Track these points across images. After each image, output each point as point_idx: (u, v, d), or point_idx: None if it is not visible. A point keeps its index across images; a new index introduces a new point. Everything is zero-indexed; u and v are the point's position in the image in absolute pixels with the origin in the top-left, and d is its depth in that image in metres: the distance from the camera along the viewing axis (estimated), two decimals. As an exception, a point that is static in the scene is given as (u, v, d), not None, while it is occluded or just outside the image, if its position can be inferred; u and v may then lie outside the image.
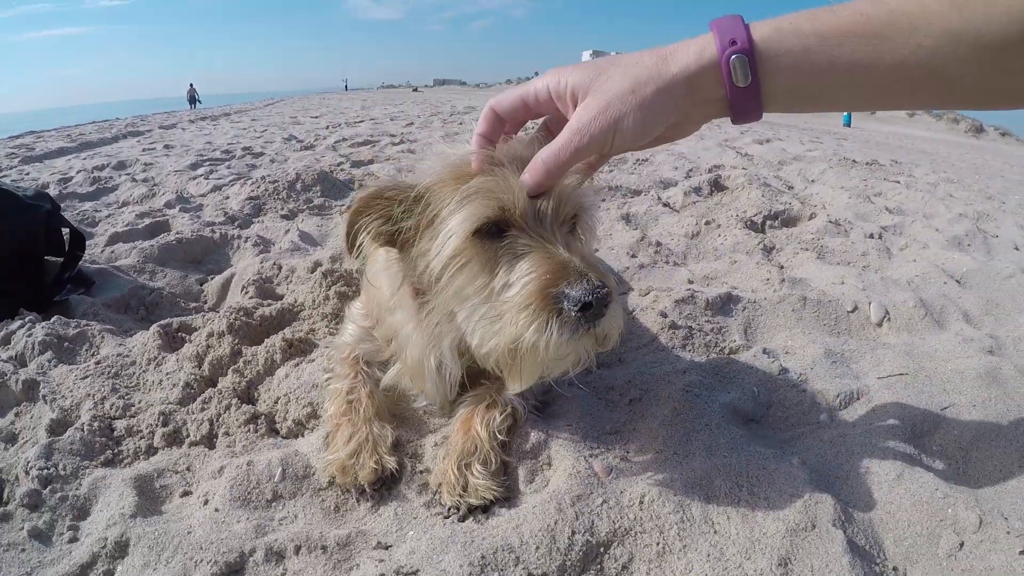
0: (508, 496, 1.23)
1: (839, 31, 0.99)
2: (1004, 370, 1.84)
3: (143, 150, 7.64)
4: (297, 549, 1.10)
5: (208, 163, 6.01)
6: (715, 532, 1.14)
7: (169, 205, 4.03)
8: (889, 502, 1.30)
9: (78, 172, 5.48)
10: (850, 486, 1.35)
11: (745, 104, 1.06)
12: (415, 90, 63.93)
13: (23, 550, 1.23)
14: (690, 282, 2.56)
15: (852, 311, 2.34)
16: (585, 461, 1.24)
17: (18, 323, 2.06)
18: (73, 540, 1.25)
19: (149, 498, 1.32)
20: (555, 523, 1.08)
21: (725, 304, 2.25)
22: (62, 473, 1.39)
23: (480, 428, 1.28)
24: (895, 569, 1.18)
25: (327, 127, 10.56)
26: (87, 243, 2.85)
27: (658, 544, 1.10)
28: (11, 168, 6.31)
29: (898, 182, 4.93)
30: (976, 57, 0.93)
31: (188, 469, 1.42)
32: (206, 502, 1.27)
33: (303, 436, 1.50)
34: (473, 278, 1.17)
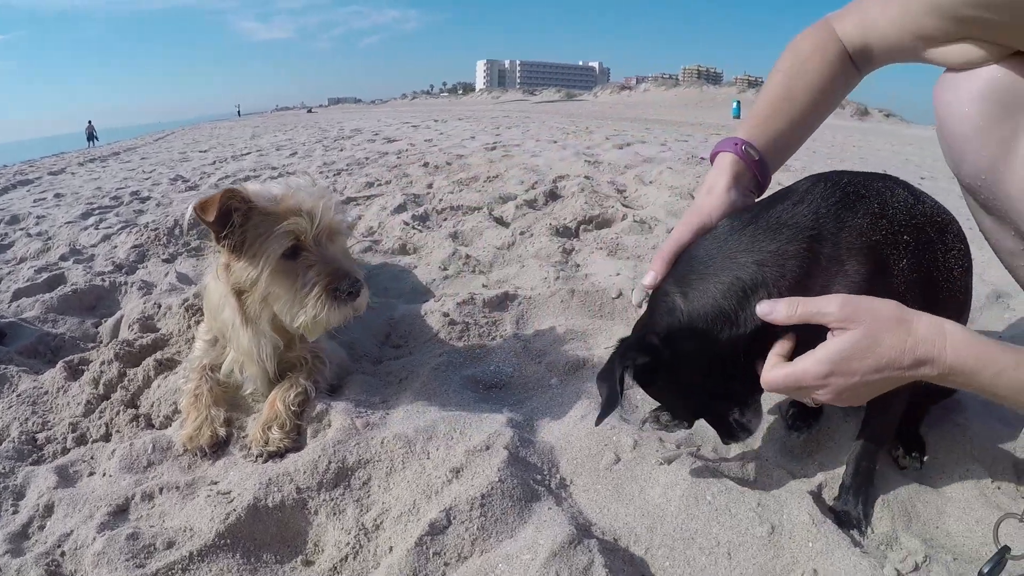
0: (298, 447, 1.85)
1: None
2: None
3: (34, 201, 7.82)
4: (161, 490, 1.71)
5: (98, 211, 6.29)
6: (428, 458, 1.73)
7: (64, 258, 4.39)
8: (569, 434, 1.85)
9: (-27, 232, 5.74)
10: (547, 426, 1.92)
11: None
12: (310, 111, 63.45)
13: None
14: (484, 287, 3.13)
15: (616, 297, 2.84)
16: (351, 420, 1.85)
17: (-57, 373, 2.47)
18: (15, 512, 1.76)
19: (66, 479, 1.87)
20: (319, 457, 1.69)
21: (502, 302, 2.82)
22: (2, 471, 1.91)
23: (279, 403, 1.92)
24: (563, 479, 1.71)
25: (214, 162, 10.85)
26: (-4, 301, 3.32)
27: (388, 467, 1.71)
28: None
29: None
30: None
31: (92, 458, 1.97)
32: (104, 474, 1.86)
33: (170, 426, 2.09)
34: (283, 283, 1.85)
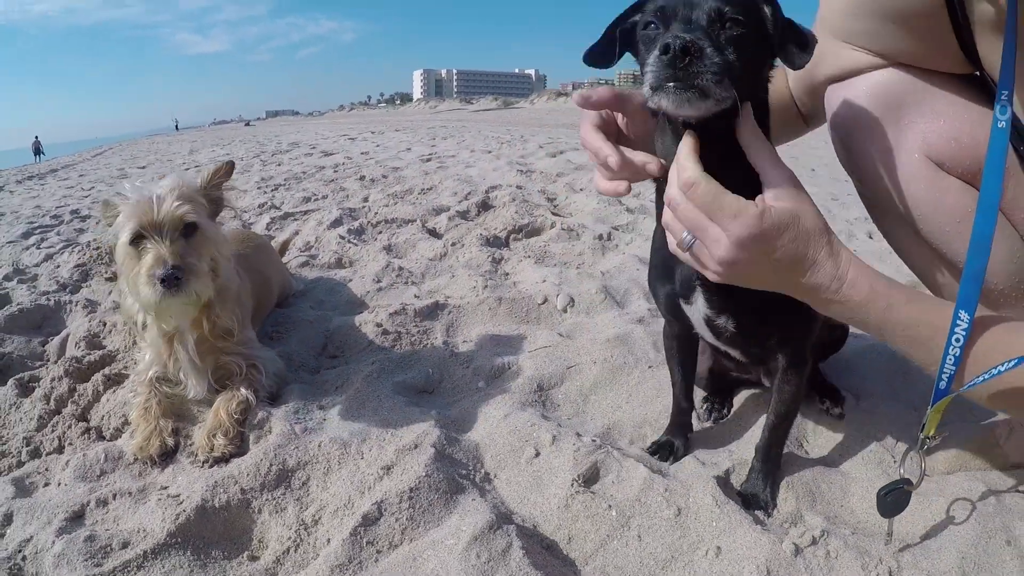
0: (242, 452, 1.95)
1: None
2: (635, 334, 2.52)
3: None
4: (114, 496, 1.79)
5: (39, 230, 6.23)
6: (362, 458, 1.85)
7: (8, 278, 4.36)
8: (494, 432, 1.98)
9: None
10: (473, 426, 2.06)
11: None
12: (248, 124, 62.65)
13: None
14: (416, 297, 3.24)
15: (542, 303, 3.00)
16: (290, 426, 1.97)
17: None
18: None
19: (23, 490, 1.93)
20: (261, 461, 1.81)
21: (433, 311, 2.94)
22: None
23: (223, 412, 2.02)
24: (487, 473, 1.85)
25: (152, 179, 10.68)
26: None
27: (325, 468, 1.83)
28: None
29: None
30: None
31: (47, 470, 2.04)
32: (59, 484, 1.94)
33: (120, 437, 2.17)
34: (129, 267, 2.05)
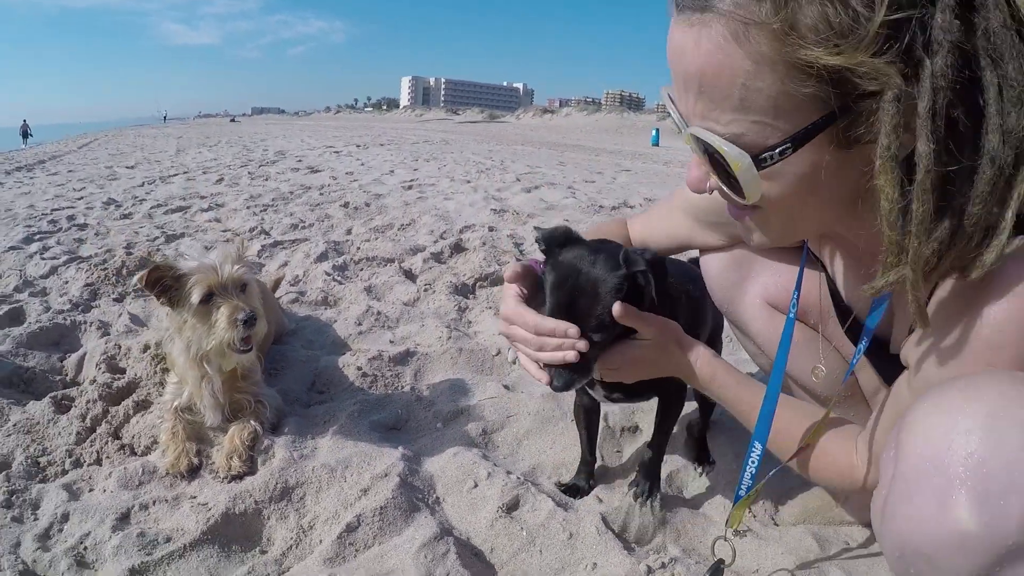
0: (252, 472, 2.54)
1: None
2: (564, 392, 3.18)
3: None
4: (154, 503, 2.37)
5: (38, 236, 6.72)
6: (345, 481, 2.43)
7: (18, 289, 4.86)
8: (445, 466, 2.48)
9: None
10: (429, 460, 2.61)
11: None
12: (233, 120, 62.83)
13: (9, 527, 2.28)
14: (391, 342, 3.83)
15: (496, 355, 3.60)
16: (290, 453, 2.57)
17: (-60, 405, 2.99)
18: (36, 519, 2.33)
19: (73, 494, 2.46)
20: (268, 480, 2.40)
21: (404, 358, 3.53)
22: (18, 488, 2.46)
23: (237, 439, 2.62)
24: (438, 497, 2.34)
25: (142, 184, 11.31)
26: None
27: (317, 487, 2.41)
28: None
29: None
30: None
31: (90, 479, 2.56)
32: (104, 491, 2.52)
33: (151, 454, 2.74)
34: (202, 320, 2.60)
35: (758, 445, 1.76)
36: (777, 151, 1.19)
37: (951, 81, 1.03)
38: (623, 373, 1.89)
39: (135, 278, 2.64)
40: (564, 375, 1.77)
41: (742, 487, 1.83)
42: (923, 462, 1.15)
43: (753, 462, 1.78)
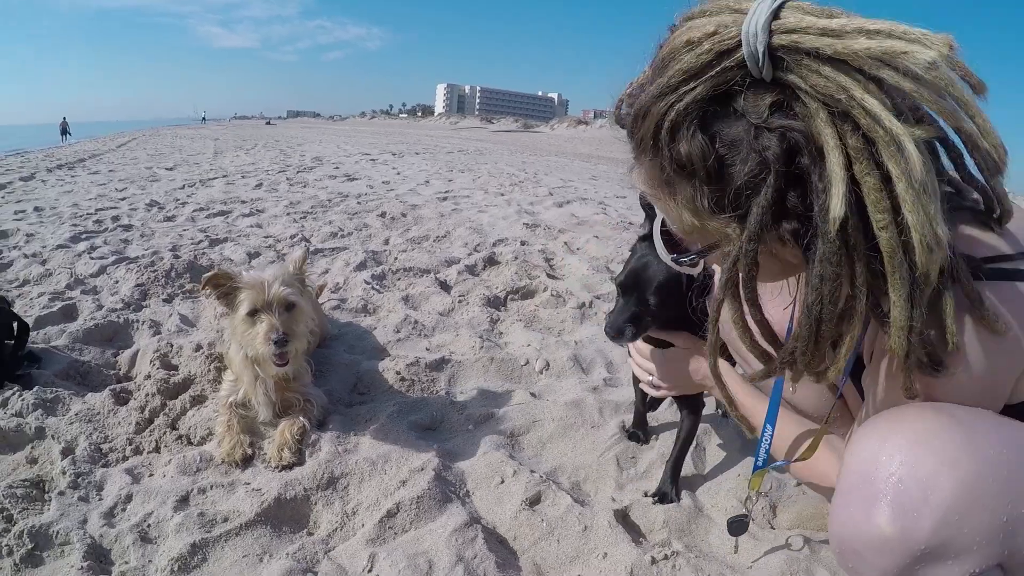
0: (301, 463, 2.79)
1: None
2: (587, 400, 3.26)
3: (15, 213, 8.51)
4: (211, 487, 2.62)
5: (85, 236, 7.01)
6: (385, 473, 2.68)
7: (70, 287, 5.10)
8: (475, 464, 2.78)
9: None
10: (462, 458, 2.89)
11: None
12: (268, 123, 63.41)
13: (76, 506, 2.53)
14: (427, 350, 4.07)
15: (524, 364, 3.83)
16: (335, 447, 2.83)
17: (8, 393, 3.16)
18: (100, 499, 2.58)
19: (135, 478, 2.71)
20: (316, 470, 2.65)
21: (439, 365, 3.77)
22: (83, 471, 2.70)
23: (287, 433, 2.87)
24: (468, 491, 2.62)
25: (183, 186, 11.66)
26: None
27: (360, 478, 2.66)
28: None
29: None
30: None
31: (150, 464, 2.82)
32: (164, 475, 2.76)
33: (207, 444, 2.99)
34: (246, 331, 2.87)
35: (769, 427, 2.04)
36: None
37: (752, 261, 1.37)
38: (664, 373, 2.43)
39: (204, 277, 2.91)
40: (617, 323, 2.32)
41: (759, 459, 2.08)
42: (856, 476, 1.42)
43: (766, 439, 2.05)
